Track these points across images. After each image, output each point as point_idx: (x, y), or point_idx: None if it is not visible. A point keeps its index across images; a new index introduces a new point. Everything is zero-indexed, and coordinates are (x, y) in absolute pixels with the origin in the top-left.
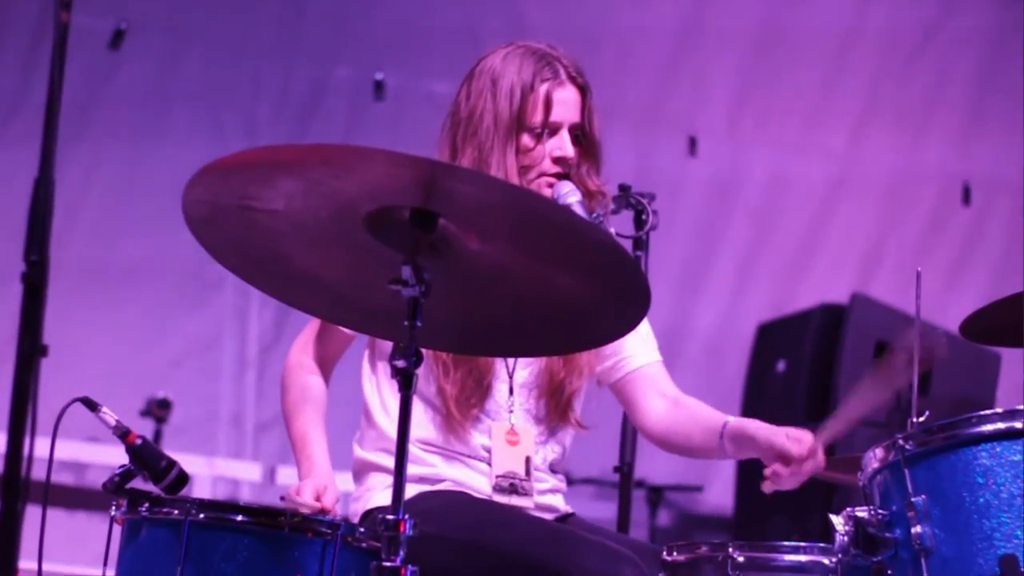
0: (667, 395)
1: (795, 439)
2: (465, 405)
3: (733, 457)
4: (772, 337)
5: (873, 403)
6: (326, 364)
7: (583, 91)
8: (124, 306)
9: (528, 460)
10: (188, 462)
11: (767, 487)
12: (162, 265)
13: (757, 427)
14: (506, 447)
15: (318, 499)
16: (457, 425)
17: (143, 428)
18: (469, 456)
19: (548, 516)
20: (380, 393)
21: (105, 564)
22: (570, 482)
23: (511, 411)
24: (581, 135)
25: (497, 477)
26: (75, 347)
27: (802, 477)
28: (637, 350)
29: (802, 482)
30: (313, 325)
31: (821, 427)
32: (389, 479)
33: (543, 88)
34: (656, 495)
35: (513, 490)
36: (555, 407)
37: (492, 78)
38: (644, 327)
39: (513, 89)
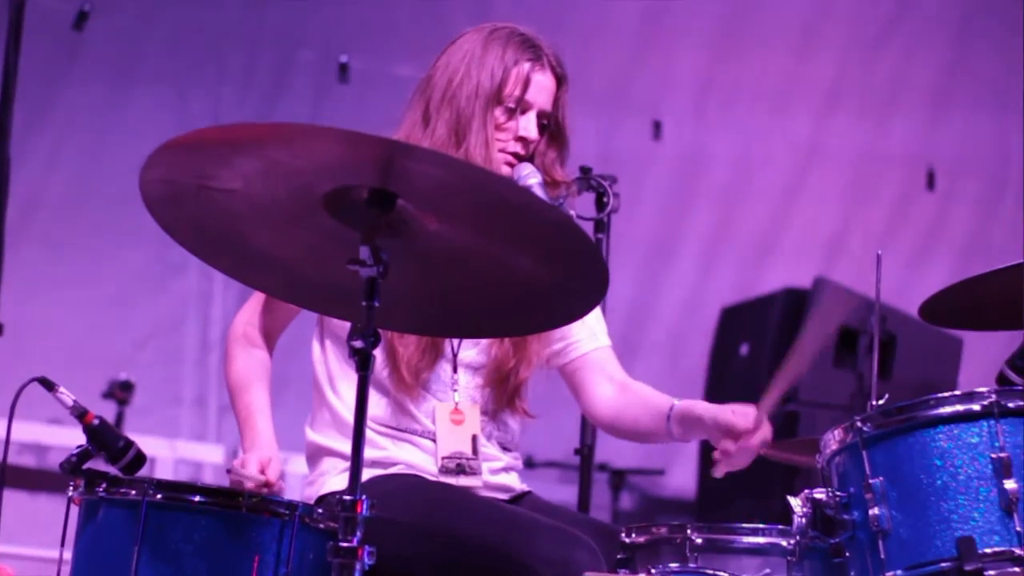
0: (615, 380)
1: (741, 413)
2: (415, 370)
3: (680, 439)
4: (735, 320)
5: (800, 369)
6: (271, 336)
7: (560, 82)
8: (87, 287)
9: (475, 439)
10: (150, 444)
11: (718, 470)
12: (125, 246)
13: (704, 407)
14: (451, 427)
15: (263, 472)
16: (406, 393)
17: (105, 410)
18: (418, 434)
19: (502, 495)
20: (329, 371)
21: (62, 545)
22: (533, 465)
23: (455, 389)
24: (551, 124)
25: (443, 459)
26: (37, 328)
27: (752, 452)
28: (586, 335)
29: (752, 458)
30: (259, 296)
31: (762, 400)
32: (343, 463)
33: (525, 67)
34: (618, 478)
35: (460, 470)
36: (502, 396)
37: (477, 50)
38: (595, 312)
39: (496, 62)
